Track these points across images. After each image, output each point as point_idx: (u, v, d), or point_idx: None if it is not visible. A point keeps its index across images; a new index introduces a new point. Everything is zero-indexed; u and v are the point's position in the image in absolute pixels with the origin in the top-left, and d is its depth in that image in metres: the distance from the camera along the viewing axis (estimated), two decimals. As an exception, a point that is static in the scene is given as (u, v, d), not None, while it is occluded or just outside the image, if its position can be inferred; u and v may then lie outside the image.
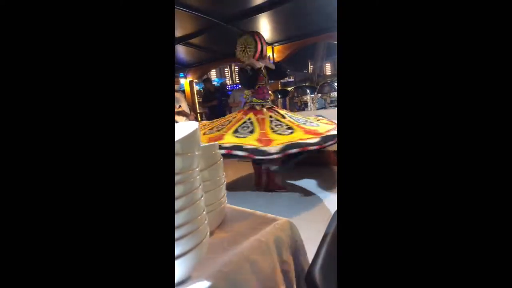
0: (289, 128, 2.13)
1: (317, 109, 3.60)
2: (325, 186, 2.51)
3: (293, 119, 2.27)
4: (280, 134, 2.06)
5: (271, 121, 2.23)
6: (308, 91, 3.81)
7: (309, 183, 2.63)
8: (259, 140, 2.00)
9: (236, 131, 2.16)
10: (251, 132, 2.13)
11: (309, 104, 3.59)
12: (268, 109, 2.39)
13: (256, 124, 2.21)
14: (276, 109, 2.46)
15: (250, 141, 1.99)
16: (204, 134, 2.29)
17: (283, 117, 2.30)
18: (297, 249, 0.68)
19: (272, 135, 2.06)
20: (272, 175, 2.40)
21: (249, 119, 2.28)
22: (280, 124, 2.19)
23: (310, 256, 0.52)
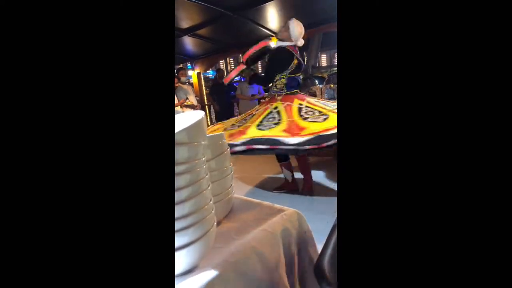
0: (323, 114, 1.81)
1: (326, 100, 3.55)
2: (333, 177, 2.49)
3: (327, 105, 1.96)
4: (313, 121, 1.76)
5: (300, 109, 1.92)
6: (316, 81, 3.76)
7: (316, 175, 2.61)
8: (287, 131, 1.71)
9: (260, 124, 1.89)
10: (277, 123, 1.84)
11: (317, 94, 3.54)
12: (297, 96, 2.10)
13: (283, 113, 1.91)
14: (307, 97, 2.15)
15: (276, 132, 1.71)
16: (225, 130, 2.04)
17: (314, 104, 1.99)
18: (305, 240, 0.67)
19: (303, 123, 1.76)
20: (308, 175, 2.19)
21: (276, 108, 2.00)
22: (312, 111, 1.88)
23: (319, 248, 0.51)
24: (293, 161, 2.30)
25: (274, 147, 1.65)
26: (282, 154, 2.20)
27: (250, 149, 1.70)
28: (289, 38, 2.10)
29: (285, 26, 2.12)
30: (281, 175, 2.39)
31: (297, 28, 2.09)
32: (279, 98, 2.09)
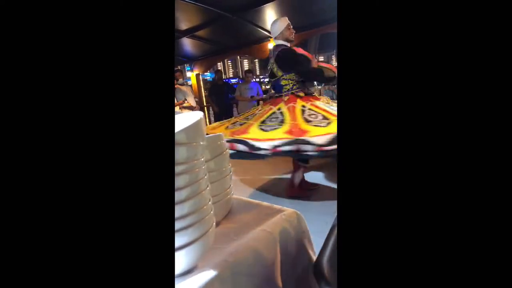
0: (325, 118, 1.77)
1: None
2: (332, 178, 2.49)
3: (331, 109, 1.90)
4: (316, 126, 1.71)
5: (303, 111, 1.87)
6: (315, 82, 3.76)
7: (316, 176, 2.62)
8: (289, 132, 1.68)
9: (263, 123, 1.86)
10: (281, 123, 1.80)
11: (315, 95, 3.54)
12: (302, 98, 2.04)
13: (286, 113, 1.87)
14: (312, 99, 2.08)
15: (278, 136, 1.68)
16: (226, 128, 2.00)
17: (318, 107, 1.93)
18: (303, 240, 0.67)
19: (306, 126, 1.73)
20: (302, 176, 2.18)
21: (279, 109, 1.96)
22: (315, 114, 1.83)
23: (318, 248, 0.51)
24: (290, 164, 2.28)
25: (299, 149, 1.62)
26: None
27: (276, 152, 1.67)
28: (291, 36, 2.10)
29: (287, 25, 2.09)
30: (280, 177, 2.37)
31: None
32: (286, 98, 2.04)
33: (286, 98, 2.04)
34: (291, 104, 1.95)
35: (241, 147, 1.70)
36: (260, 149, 1.67)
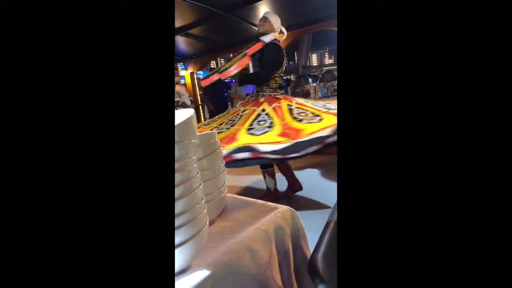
0: (316, 115, 1.66)
1: (320, 98, 3.56)
2: (329, 175, 2.50)
3: (317, 106, 1.82)
4: (309, 122, 1.60)
5: (291, 110, 1.76)
6: (310, 80, 3.77)
7: (312, 173, 2.62)
8: (283, 135, 1.57)
9: (250, 128, 1.73)
10: (270, 126, 1.68)
11: (311, 93, 3.55)
12: (283, 97, 1.95)
13: (273, 115, 1.76)
14: (292, 98, 1.99)
15: (272, 139, 1.56)
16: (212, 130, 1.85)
17: (304, 105, 1.83)
18: (298, 237, 0.67)
19: (299, 125, 1.61)
20: (293, 178, 2.07)
21: (263, 110, 1.84)
22: (304, 112, 1.72)
23: (313, 245, 0.51)
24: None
25: (256, 155, 1.52)
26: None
27: (256, 158, 1.54)
28: (271, 29, 1.98)
29: (262, 19, 2.01)
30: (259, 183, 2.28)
31: (276, 17, 2.01)
32: (262, 99, 1.93)
33: (262, 99, 1.93)
34: (275, 104, 1.85)
35: (243, 155, 1.54)
36: (266, 152, 1.51)
